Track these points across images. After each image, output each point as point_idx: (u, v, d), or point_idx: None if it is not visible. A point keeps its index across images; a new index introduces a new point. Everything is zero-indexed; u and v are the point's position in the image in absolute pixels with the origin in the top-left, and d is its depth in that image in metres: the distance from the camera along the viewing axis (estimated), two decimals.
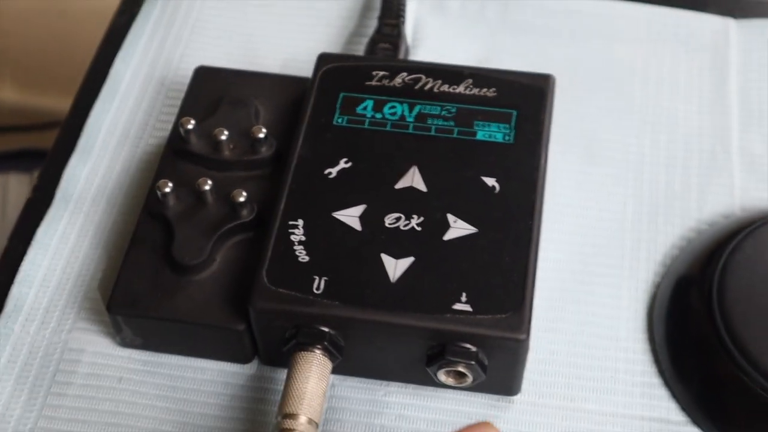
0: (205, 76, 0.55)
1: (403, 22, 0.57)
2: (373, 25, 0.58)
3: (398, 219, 0.47)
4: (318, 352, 0.45)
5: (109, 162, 0.56)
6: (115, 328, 0.48)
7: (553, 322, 0.49)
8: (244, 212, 0.48)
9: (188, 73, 0.55)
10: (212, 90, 0.54)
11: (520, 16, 0.61)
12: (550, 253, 0.51)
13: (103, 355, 0.49)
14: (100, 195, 0.54)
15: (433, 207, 0.47)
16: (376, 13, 0.59)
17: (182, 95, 0.54)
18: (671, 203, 0.53)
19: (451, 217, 0.47)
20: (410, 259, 0.46)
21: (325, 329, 0.45)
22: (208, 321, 0.46)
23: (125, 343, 0.49)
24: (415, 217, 0.47)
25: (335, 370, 0.46)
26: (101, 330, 0.50)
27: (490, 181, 0.48)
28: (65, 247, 0.53)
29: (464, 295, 0.44)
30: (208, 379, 0.48)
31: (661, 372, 0.48)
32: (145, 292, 0.47)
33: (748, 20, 0.60)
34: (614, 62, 0.59)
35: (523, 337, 0.43)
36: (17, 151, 1.22)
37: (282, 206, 0.47)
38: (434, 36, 0.59)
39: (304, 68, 0.55)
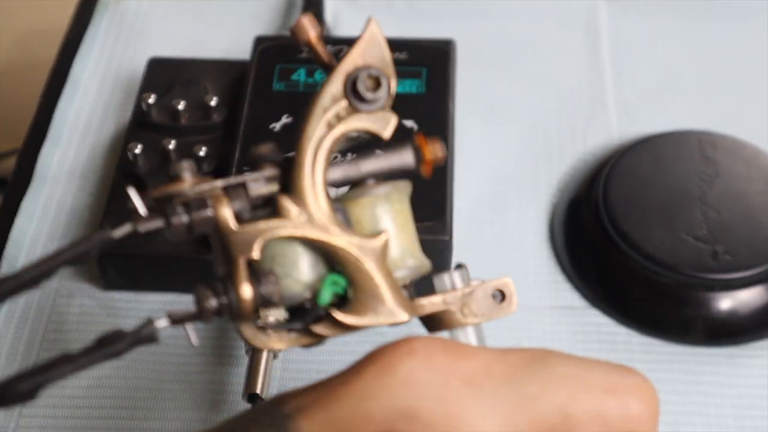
0: (157, 66, 0.64)
1: (323, 11, 0.67)
2: (297, 15, 0.68)
3: (335, 158, 0.56)
4: None
5: (77, 147, 0.64)
6: (101, 272, 0.56)
7: (471, 241, 0.59)
8: (205, 165, 0.57)
9: (141, 67, 0.64)
10: (165, 76, 0.63)
11: (425, 7, 0.72)
12: (464, 185, 0.61)
13: (91, 297, 0.57)
14: (73, 173, 0.63)
15: (363, 145, 0.56)
16: (299, 9, 0.69)
17: (137, 86, 0.63)
18: (562, 143, 0.64)
19: (379, 152, 0.56)
20: (346, 189, 0.55)
21: None
22: (181, 254, 0.55)
23: (109, 286, 0.57)
24: (349, 155, 0.56)
25: None
26: (87, 278, 0.58)
27: (409, 123, 0.58)
28: (47, 216, 0.60)
29: None
30: None
31: (564, 270, 0.57)
32: (125, 237, 0.55)
33: None
34: (508, 37, 0.70)
35: (446, 238, 0.53)
36: None
37: (237, 154, 0.56)
38: (349, 25, 0.70)
39: (242, 53, 0.65)
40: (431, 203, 0.54)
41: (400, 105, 0.58)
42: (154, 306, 0.56)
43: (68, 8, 0.74)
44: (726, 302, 0.54)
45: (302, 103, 0.58)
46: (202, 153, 0.57)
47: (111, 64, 0.69)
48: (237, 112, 0.59)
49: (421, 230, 0.53)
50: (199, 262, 0.54)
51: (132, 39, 0.70)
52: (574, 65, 0.68)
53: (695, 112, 0.65)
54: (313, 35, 0.37)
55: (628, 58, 0.69)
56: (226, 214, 0.34)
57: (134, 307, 0.57)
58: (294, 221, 0.35)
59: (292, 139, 0.56)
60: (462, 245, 0.58)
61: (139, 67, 0.65)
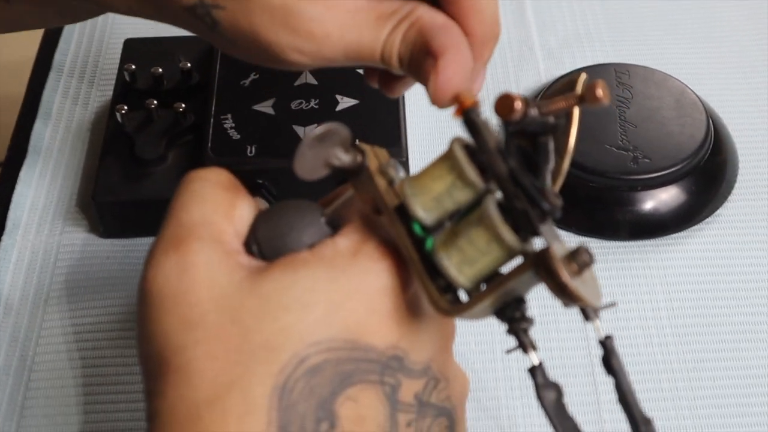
0: (133, 45, 0.71)
1: None
2: None
3: (300, 103, 0.64)
4: (259, 198, 0.61)
5: (65, 122, 0.71)
6: (99, 218, 0.63)
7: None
8: (185, 120, 0.64)
9: (118, 49, 0.71)
10: (142, 51, 0.70)
11: None
12: (415, 122, 0.69)
13: (91, 244, 0.64)
14: (64, 142, 0.70)
15: (324, 92, 0.64)
16: None
17: (116, 67, 0.70)
18: (498, 87, 0.72)
19: (338, 96, 0.64)
20: (314, 126, 0.62)
21: (261, 181, 0.61)
22: (170, 196, 0.62)
23: (107, 233, 0.64)
24: (312, 100, 0.64)
25: None
26: (86, 230, 0.65)
27: (362, 70, 0.66)
28: (44, 182, 0.67)
29: (357, 141, 0.61)
30: None
31: None
32: (119, 184, 0.62)
33: None
34: None
35: (403, 159, 0.61)
36: None
37: (213, 107, 0.64)
38: None
39: None
40: (388, 132, 0.62)
41: None
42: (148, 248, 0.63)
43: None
44: (648, 201, 0.62)
45: None
46: (181, 109, 0.64)
47: (90, 50, 0.76)
48: (210, 74, 0.66)
49: None
50: None
51: (107, 27, 0.78)
52: (504, 24, 0.77)
53: (610, 53, 0.74)
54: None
55: (548, 13, 0.77)
56: None
57: (131, 249, 0.64)
58: None
59: (260, 92, 0.64)
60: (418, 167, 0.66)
61: (117, 49, 0.72)
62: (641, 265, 0.62)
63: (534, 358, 0.38)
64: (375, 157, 0.42)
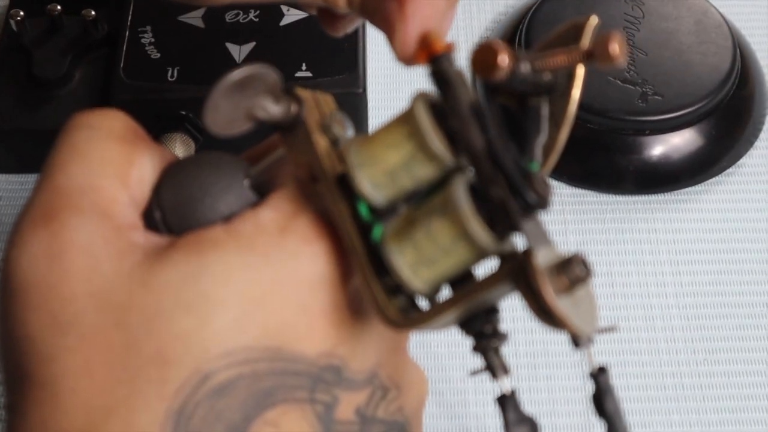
0: None
1: None
2: None
3: (237, 14, 0.52)
4: (181, 134, 0.49)
5: None
6: None
7: (387, 100, 0.55)
8: (95, 31, 0.52)
9: None
10: None
11: None
12: (379, 39, 0.57)
13: None
14: None
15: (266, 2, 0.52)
16: None
17: None
18: (471, 3, 0.60)
19: (284, 7, 0.52)
20: (252, 44, 0.51)
21: (183, 112, 0.49)
22: None
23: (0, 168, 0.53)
24: (252, 11, 0.52)
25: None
26: None
27: None
28: None
29: (304, 65, 0.50)
30: None
31: None
32: (13, 109, 0.51)
33: None
34: None
35: (360, 90, 0.49)
36: None
37: (129, 17, 0.52)
38: None
39: None
40: (342, 55, 0.50)
41: None
42: None
43: None
44: (657, 147, 0.51)
45: None
46: (91, 16, 0.52)
47: None
48: None
49: (332, 84, 0.49)
50: None
51: None
52: None
53: None
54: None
55: None
56: None
57: (27, 188, 0.52)
58: None
59: None
60: (378, 104, 0.54)
61: None
62: (646, 226, 0.51)
63: (505, 385, 0.29)
64: (316, 106, 0.32)
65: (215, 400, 0.28)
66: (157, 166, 0.32)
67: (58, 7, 0.52)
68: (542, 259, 0.27)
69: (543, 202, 0.27)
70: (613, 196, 0.52)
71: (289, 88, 0.30)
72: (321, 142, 0.31)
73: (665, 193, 0.52)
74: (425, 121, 0.28)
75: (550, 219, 0.50)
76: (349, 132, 0.32)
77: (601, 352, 0.46)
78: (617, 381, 0.45)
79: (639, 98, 0.51)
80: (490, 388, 0.45)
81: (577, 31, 0.30)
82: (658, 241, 0.50)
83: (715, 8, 0.55)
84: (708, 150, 0.52)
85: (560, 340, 0.44)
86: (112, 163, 0.31)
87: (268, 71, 0.29)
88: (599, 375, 0.29)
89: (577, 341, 0.29)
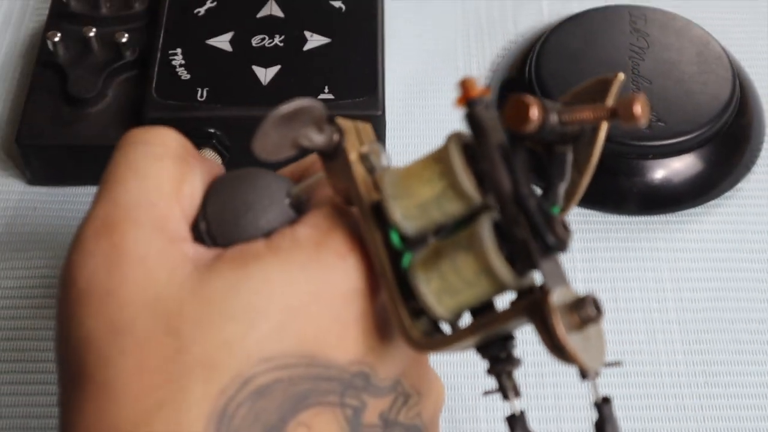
0: None
1: None
2: None
3: (263, 39, 0.55)
4: (208, 150, 0.52)
5: None
6: (25, 163, 0.54)
7: (403, 122, 0.58)
8: (127, 53, 0.55)
9: None
10: None
11: None
12: (396, 66, 0.60)
13: (17, 192, 0.55)
14: None
15: (291, 27, 0.55)
16: None
17: None
18: (492, 26, 0.63)
19: (307, 33, 0.55)
20: (277, 67, 0.54)
21: (212, 130, 0.52)
22: (105, 142, 0.53)
23: (34, 180, 0.55)
24: (277, 36, 0.55)
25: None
26: (11, 175, 0.56)
27: (337, 4, 0.56)
28: None
29: (326, 87, 0.53)
30: None
31: None
32: (48, 126, 0.54)
33: None
34: None
35: (379, 113, 0.52)
36: None
37: (161, 40, 0.55)
38: None
39: None
40: (362, 79, 0.53)
41: None
42: (77, 198, 0.55)
43: None
44: (660, 170, 0.54)
45: None
46: (124, 40, 0.55)
47: None
48: (158, 1, 0.57)
49: (352, 106, 0.52)
50: None
51: None
52: None
53: None
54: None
55: None
56: None
57: (59, 200, 0.55)
58: None
59: (216, 24, 0.55)
60: (394, 125, 0.57)
61: None
62: (648, 245, 0.53)
63: (515, 407, 0.32)
64: (356, 136, 0.34)
65: (255, 401, 0.31)
66: (206, 179, 0.35)
67: (93, 30, 0.55)
68: (557, 297, 0.29)
69: (562, 245, 0.30)
70: (618, 216, 0.54)
71: (332, 117, 0.33)
72: (359, 171, 0.33)
73: (667, 214, 0.54)
74: (458, 162, 0.31)
75: None
76: (384, 161, 0.34)
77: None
78: (619, 391, 0.47)
79: None
80: (500, 406, 0.47)
81: (605, 86, 0.32)
82: (659, 259, 0.53)
83: (716, 40, 0.58)
84: (708, 174, 0.55)
85: None
86: (167, 180, 0.33)
87: (316, 105, 0.31)
88: (603, 405, 0.31)
89: (584, 374, 0.31)
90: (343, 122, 0.34)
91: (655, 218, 0.54)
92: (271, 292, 0.31)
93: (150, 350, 0.30)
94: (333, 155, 0.33)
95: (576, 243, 0.53)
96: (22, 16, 0.63)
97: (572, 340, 0.29)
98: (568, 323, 0.29)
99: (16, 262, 0.53)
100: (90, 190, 0.55)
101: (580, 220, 0.54)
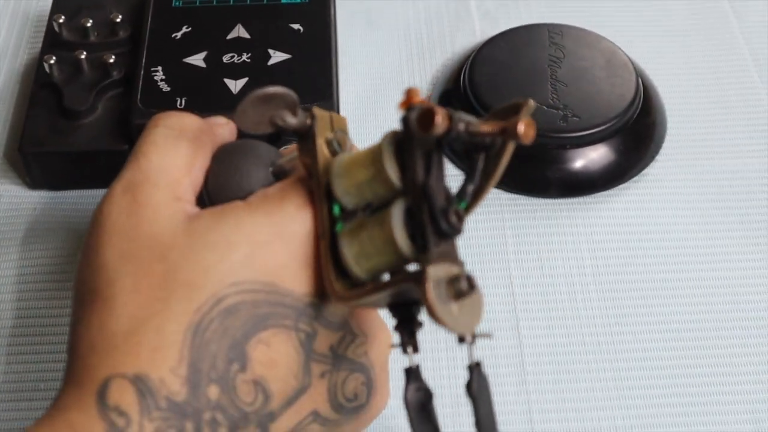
0: None
1: None
2: None
3: (232, 57, 0.63)
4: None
5: None
6: (26, 169, 0.62)
7: (355, 132, 0.66)
8: (114, 72, 0.64)
9: (48, 5, 0.70)
10: (72, 5, 0.69)
11: None
12: (349, 83, 0.69)
13: (18, 196, 0.63)
14: None
15: (256, 46, 0.64)
16: None
17: (45, 22, 0.69)
18: (433, 47, 0.72)
19: (271, 51, 0.64)
20: (245, 79, 0.62)
21: None
22: (98, 148, 0.61)
23: (35, 185, 0.63)
24: (245, 54, 0.64)
25: None
26: (12, 181, 0.64)
27: (296, 26, 0.65)
28: None
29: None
30: None
31: None
32: (47, 135, 0.62)
33: None
34: None
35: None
36: None
37: (144, 59, 0.63)
38: None
39: None
40: (319, 88, 0.62)
41: (288, 12, 0.66)
42: (76, 200, 0.63)
43: None
44: (577, 159, 0.63)
45: (200, 16, 0.66)
46: (111, 60, 0.63)
47: (19, 6, 0.75)
48: (141, 27, 0.66)
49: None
50: (109, 153, 0.61)
51: None
52: None
53: (545, 13, 0.74)
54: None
55: None
56: None
57: (59, 202, 0.63)
58: None
59: (191, 45, 0.64)
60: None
61: (47, 4, 0.71)
62: (569, 222, 0.62)
63: (413, 360, 0.39)
64: (329, 124, 0.42)
65: (224, 318, 0.38)
66: (216, 150, 0.44)
67: (84, 53, 0.64)
68: (437, 271, 0.35)
69: (454, 231, 0.36)
70: (542, 199, 0.63)
71: (310, 107, 0.41)
72: (323, 152, 0.41)
73: (584, 197, 0.63)
74: (387, 153, 0.38)
75: (491, 219, 0.62)
76: (348, 148, 0.42)
77: (536, 318, 0.57)
78: (546, 341, 0.56)
79: (561, 119, 0.63)
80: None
81: (516, 108, 0.36)
82: (579, 233, 0.61)
83: (622, 51, 0.67)
84: (618, 162, 0.64)
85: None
86: (181, 157, 0.42)
87: (288, 93, 0.40)
88: (474, 368, 0.37)
89: (461, 339, 0.37)
90: (318, 111, 0.41)
91: (574, 200, 0.63)
92: (242, 229, 0.39)
93: (145, 273, 0.38)
94: (305, 136, 0.41)
95: (507, 222, 0.62)
96: (18, 46, 0.72)
97: (443, 307, 0.34)
98: (444, 294, 0.35)
99: (19, 254, 0.60)
100: (83, 194, 0.63)
101: (510, 203, 0.63)
